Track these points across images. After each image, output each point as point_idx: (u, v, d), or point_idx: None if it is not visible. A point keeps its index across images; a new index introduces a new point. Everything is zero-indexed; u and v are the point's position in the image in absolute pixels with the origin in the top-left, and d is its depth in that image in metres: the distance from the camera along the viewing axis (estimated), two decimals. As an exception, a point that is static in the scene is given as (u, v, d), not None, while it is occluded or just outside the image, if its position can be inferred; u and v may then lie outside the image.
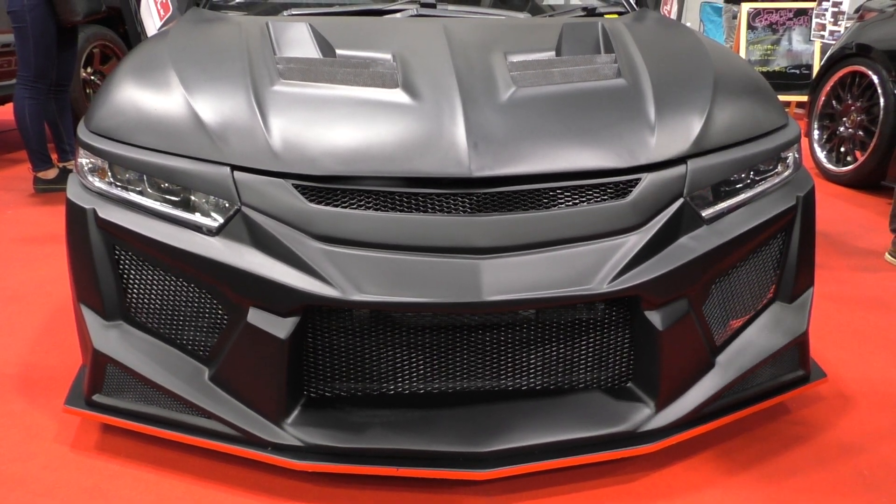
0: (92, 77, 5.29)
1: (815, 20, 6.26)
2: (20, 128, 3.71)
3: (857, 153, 4.11)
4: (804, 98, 6.38)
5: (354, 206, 1.41)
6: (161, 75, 1.62)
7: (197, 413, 1.47)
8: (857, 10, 6.96)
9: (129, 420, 1.53)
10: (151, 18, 2.62)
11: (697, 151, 1.55)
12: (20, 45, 3.57)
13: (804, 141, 4.62)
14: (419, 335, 1.46)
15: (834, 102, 4.32)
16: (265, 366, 1.40)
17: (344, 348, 1.46)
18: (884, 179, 3.82)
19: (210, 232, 1.43)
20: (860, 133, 4.09)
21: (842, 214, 3.61)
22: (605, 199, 1.46)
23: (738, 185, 1.61)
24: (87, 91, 5.27)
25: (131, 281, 1.51)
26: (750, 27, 6.58)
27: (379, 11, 2.16)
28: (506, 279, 1.37)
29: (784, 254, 1.67)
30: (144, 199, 1.50)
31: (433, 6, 2.17)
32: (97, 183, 1.55)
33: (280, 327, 1.38)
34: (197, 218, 1.45)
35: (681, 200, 1.50)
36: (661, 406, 1.50)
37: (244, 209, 1.41)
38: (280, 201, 1.40)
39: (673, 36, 2.00)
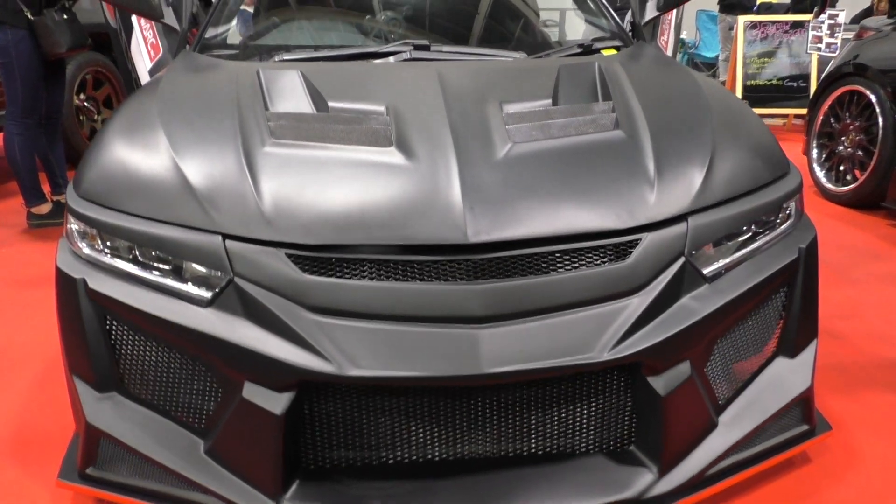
0: (85, 104, 5.27)
1: (811, 32, 6.26)
2: (11, 164, 3.68)
3: (857, 172, 4.09)
4: (802, 111, 6.38)
5: (349, 276, 1.38)
6: (150, 137, 1.60)
7: (193, 488, 1.44)
8: (853, 20, 6.97)
9: (123, 494, 1.50)
10: (142, 57, 2.60)
11: (698, 207, 1.52)
12: (6, 81, 3.54)
13: (803, 159, 4.60)
14: (417, 402, 1.43)
15: (832, 121, 4.30)
16: (261, 440, 1.37)
17: (341, 418, 1.43)
18: (883, 200, 3.79)
19: (202, 303, 1.40)
20: (859, 153, 4.07)
21: (841, 238, 3.59)
22: (604, 262, 1.43)
23: (739, 239, 1.58)
24: (81, 118, 5.25)
25: (124, 352, 1.48)
26: (747, 40, 6.57)
27: (372, 55, 2.14)
28: (504, 349, 1.34)
29: (787, 308, 1.65)
30: (135, 267, 1.47)
31: (427, 48, 2.15)
32: (87, 250, 1.52)
33: (276, 403, 1.35)
34: (189, 288, 1.42)
35: (682, 260, 1.47)
36: (664, 471, 1.47)
37: (237, 280, 1.38)
38: (273, 272, 1.37)
39: (670, 78, 1.98)
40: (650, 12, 2.59)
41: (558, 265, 1.42)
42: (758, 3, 7.61)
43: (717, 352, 1.54)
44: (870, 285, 2.95)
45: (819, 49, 6.24)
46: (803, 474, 1.74)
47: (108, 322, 1.48)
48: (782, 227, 1.66)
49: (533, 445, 1.50)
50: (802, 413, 1.67)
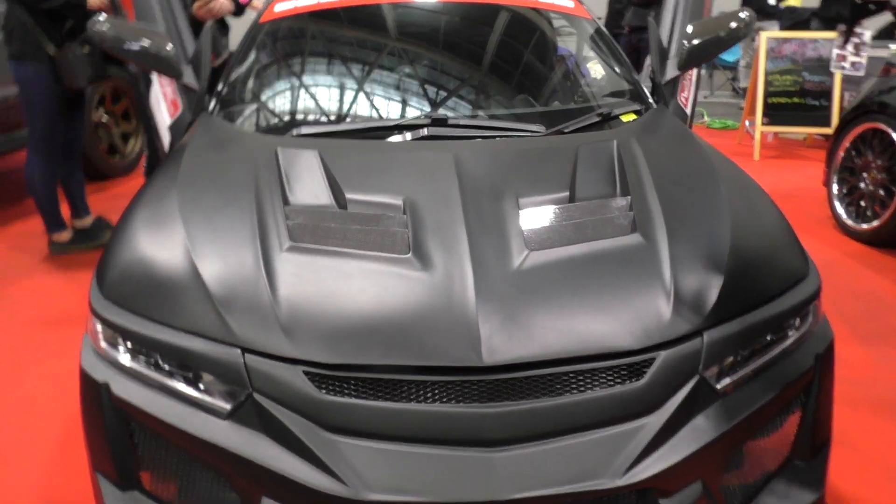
0: (103, 119, 5.31)
1: (835, 51, 6.16)
2: (31, 192, 3.73)
3: (877, 209, 4.05)
4: (824, 129, 6.31)
5: (365, 395, 1.40)
6: (171, 237, 1.62)
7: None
8: (878, 36, 6.85)
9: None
10: (161, 112, 2.62)
11: (714, 322, 1.52)
12: (27, 113, 3.60)
13: (823, 191, 4.56)
14: None
15: (854, 155, 4.25)
16: None
17: None
18: (903, 242, 3.77)
19: (222, 414, 1.43)
20: (881, 191, 4.03)
21: (858, 283, 3.56)
22: (618, 382, 1.44)
23: (755, 349, 1.58)
24: (99, 133, 5.30)
25: (146, 455, 1.52)
26: (770, 56, 6.49)
27: (389, 128, 2.14)
28: (519, 474, 1.35)
29: (802, 415, 1.65)
30: (156, 373, 1.50)
31: (444, 122, 2.15)
32: (110, 352, 1.55)
33: (292, 519, 1.37)
34: (208, 399, 1.45)
35: (696, 378, 1.47)
36: (675, 586, 1.49)
37: (255, 395, 1.41)
38: (291, 390, 1.39)
39: (688, 164, 1.97)
40: (671, 72, 2.58)
41: (572, 386, 1.43)
42: (782, 6, 7.49)
43: (729, 465, 1.55)
44: (884, 343, 2.93)
45: (843, 68, 6.15)
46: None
47: (130, 426, 1.51)
48: (800, 331, 1.65)
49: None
50: (813, 518, 1.67)
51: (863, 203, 4.18)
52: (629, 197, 1.77)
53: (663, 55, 2.61)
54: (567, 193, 1.81)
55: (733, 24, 2.45)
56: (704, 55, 2.54)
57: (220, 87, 2.47)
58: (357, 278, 1.52)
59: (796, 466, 1.67)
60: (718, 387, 1.50)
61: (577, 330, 1.45)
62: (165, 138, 2.61)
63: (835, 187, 4.39)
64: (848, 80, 6.26)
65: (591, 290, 1.52)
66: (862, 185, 4.18)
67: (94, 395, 1.52)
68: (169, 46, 2.35)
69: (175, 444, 1.47)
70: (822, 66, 6.36)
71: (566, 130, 2.19)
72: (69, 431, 2.30)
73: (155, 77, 2.59)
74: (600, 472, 1.37)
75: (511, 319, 1.44)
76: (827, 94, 6.37)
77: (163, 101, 2.57)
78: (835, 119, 6.24)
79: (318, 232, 1.62)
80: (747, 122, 7.00)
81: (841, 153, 4.32)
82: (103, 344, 1.56)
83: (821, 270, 1.78)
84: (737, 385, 1.53)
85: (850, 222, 4.23)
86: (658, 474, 1.39)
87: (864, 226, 4.11)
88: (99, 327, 1.58)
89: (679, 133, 2.21)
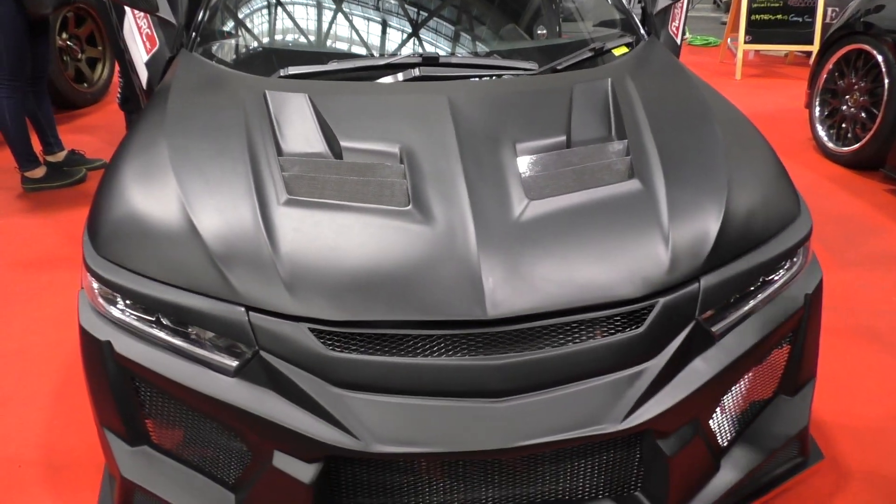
0: (69, 42, 5.09)
1: (820, -35, 6.04)
2: (1, 129, 3.60)
3: (858, 132, 4.07)
4: (807, 47, 6.26)
5: (371, 352, 1.42)
6: (164, 189, 1.58)
7: (225, 539, 1.53)
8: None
9: (160, 542, 1.58)
10: (136, 46, 2.50)
11: (711, 267, 1.55)
12: None
13: (804, 112, 4.56)
14: (440, 467, 1.50)
15: (837, 77, 4.24)
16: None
17: (367, 484, 1.50)
18: (883, 165, 3.81)
19: (228, 372, 1.44)
20: (862, 114, 4.04)
21: (837, 207, 3.62)
22: (619, 330, 1.47)
23: (748, 291, 1.62)
24: (64, 59, 5.08)
25: (154, 411, 1.53)
26: (753, -30, 6.34)
27: (378, 67, 2.08)
28: (524, 423, 1.40)
29: (790, 352, 1.71)
30: (159, 331, 1.49)
31: (436, 61, 2.09)
32: (111, 310, 1.54)
33: (304, 472, 1.41)
34: (214, 356, 1.46)
35: (693, 322, 1.51)
36: (667, 513, 1.57)
37: (262, 353, 1.42)
38: (298, 347, 1.40)
39: (683, 102, 1.95)
40: (662, 1, 2.52)
41: (574, 335, 1.46)
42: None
43: (722, 403, 1.61)
44: (863, 269, 3.01)
45: (827, -18, 6.04)
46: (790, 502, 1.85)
47: (136, 383, 1.52)
48: (791, 271, 1.69)
49: (544, 492, 1.58)
50: (798, 447, 1.76)
51: (844, 126, 4.19)
52: (626, 141, 1.76)
53: (655, -17, 2.54)
54: (563, 137, 1.79)
55: None
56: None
57: (199, 20, 2.36)
58: (358, 232, 1.51)
59: (783, 400, 1.74)
60: (713, 329, 1.54)
61: (579, 280, 1.47)
62: (143, 74, 2.51)
63: (817, 109, 4.39)
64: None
65: (591, 239, 1.53)
66: (844, 107, 4.19)
67: (97, 353, 1.52)
68: (142, -22, 2.23)
69: (183, 402, 1.48)
70: (806, -20, 6.25)
71: (559, 68, 2.14)
72: (65, 378, 2.30)
73: (128, 8, 2.47)
74: (601, 418, 1.42)
75: (513, 271, 1.45)
76: (811, 11, 6.28)
77: (138, 35, 2.46)
78: (818, 36, 6.17)
79: (315, 184, 1.60)
80: (729, 40, 6.89)
81: (824, 75, 4.30)
82: (102, 301, 1.55)
83: (801, 194, 1.82)
84: (731, 327, 1.57)
85: (831, 145, 4.26)
86: (656, 417, 1.45)
87: (845, 148, 4.14)
88: (95, 285, 1.56)
89: (673, 69, 2.18)
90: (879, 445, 2.02)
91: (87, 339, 1.53)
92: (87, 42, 5.27)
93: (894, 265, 3.03)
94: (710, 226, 1.57)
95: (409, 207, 1.55)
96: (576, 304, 1.45)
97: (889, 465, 1.96)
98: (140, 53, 2.48)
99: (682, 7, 2.65)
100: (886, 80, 3.83)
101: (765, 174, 1.77)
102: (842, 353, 2.43)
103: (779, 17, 6.33)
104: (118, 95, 4.12)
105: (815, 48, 6.24)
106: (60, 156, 3.95)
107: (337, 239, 1.50)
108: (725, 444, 1.65)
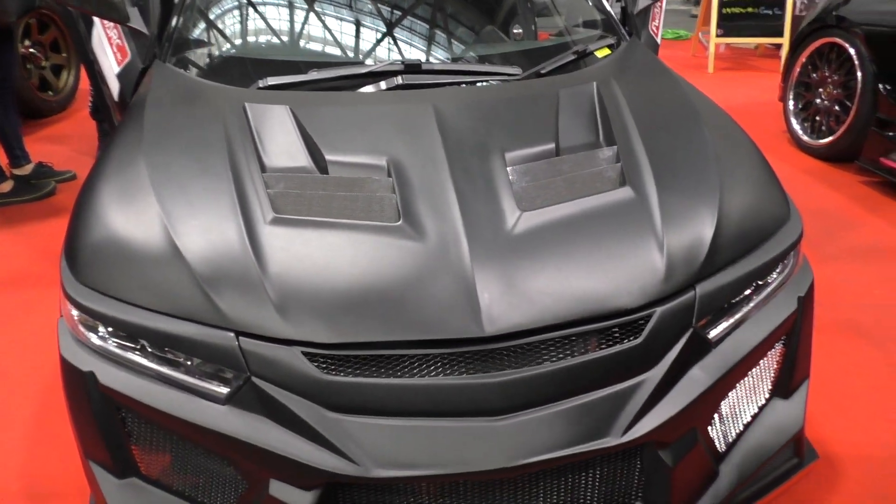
0: (32, 50, 4.95)
1: (787, -43, 6.10)
2: (-34, 141, 3.49)
3: (832, 124, 4.12)
4: (778, 39, 6.32)
5: (367, 374, 1.38)
6: (145, 211, 1.53)
7: (220, 570, 1.48)
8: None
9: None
10: (106, 58, 2.43)
11: (706, 274, 1.53)
12: None
13: (777, 104, 4.60)
14: (442, 487, 1.46)
15: (810, 70, 4.27)
16: None
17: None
18: (857, 157, 3.85)
19: (219, 399, 1.40)
20: (836, 107, 4.08)
21: (814, 201, 3.65)
22: (617, 342, 1.45)
23: (742, 296, 1.61)
24: (28, 67, 4.95)
25: (142, 442, 1.48)
26: (722, -37, 6.38)
27: (359, 76, 2.03)
28: (524, 441, 1.37)
29: (784, 354, 1.70)
30: (146, 360, 1.44)
31: (418, 68, 2.05)
32: (93, 339, 1.48)
33: (303, 500, 1.37)
34: (203, 384, 1.41)
35: (690, 331, 1.50)
36: (668, 523, 1.56)
37: (254, 379, 1.37)
38: (291, 372, 1.36)
39: (670, 107, 1.94)
40: (642, 1, 2.51)
41: (572, 348, 1.44)
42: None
43: (720, 409, 1.60)
44: (843, 263, 3.03)
45: (795, -25, 6.10)
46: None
47: (122, 413, 1.47)
48: (783, 273, 1.69)
49: (544, 501, 1.56)
50: (794, 449, 1.76)
51: (818, 118, 4.23)
52: (615, 147, 1.74)
53: (636, -17, 2.53)
54: (552, 145, 1.77)
55: None
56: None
57: (172, 30, 2.29)
58: (348, 250, 1.47)
59: (778, 404, 1.74)
60: (710, 336, 1.53)
61: (575, 292, 1.44)
62: (114, 86, 2.44)
63: (791, 103, 4.43)
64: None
65: (585, 249, 1.51)
66: (818, 100, 4.23)
67: (80, 385, 1.46)
68: (112, -13, 2.16)
69: (172, 433, 1.44)
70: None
71: (543, 72, 2.12)
72: (44, 401, 2.23)
73: (97, 18, 2.39)
74: (603, 432, 1.40)
75: (509, 286, 1.42)
76: (780, 3, 6.34)
77: (108, 46, 2.38)
78: (787, 28, 6.24)
79: (302, 201, 1.56)
80: (700, 34, 6.94)
81: (797, 69, 4.34)
82: (84, 331, 1.49)
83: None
84: (726, 333, 1.56)
85: (805, 138, 4.30)
86: (657, 428, 1.43)
87: (820, 141, 4.18)
88: (75, 313, 1.50)
89: (657, 71, 2.17)
90: (870, 442, 2.04)
91: (68, 370, 1.48)
92: (50, 49, 5.13)
93: (873, 258, 3.07)
94: (703, 232, 1.56)
95: (400, 223, 1.51)
96: (573, 317, 1.42)
97: (881, 462, 1.97)
98: (111, 65, 2.41)
99: (661, 5, 2.65)
100: (859, 73, 3.87)
101: (755, 177, 1.76)
102: (827, 350, 2.44)
103: (749, 9, 6.38)
104: (90, 104, 4.01)
105: (785, 40, 6.32)
106: (28, 168, 3.84)
107: (327, 258, 1.45)
108: (724, 450, 1.65)
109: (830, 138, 4.09)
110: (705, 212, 1.60)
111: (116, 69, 2.37)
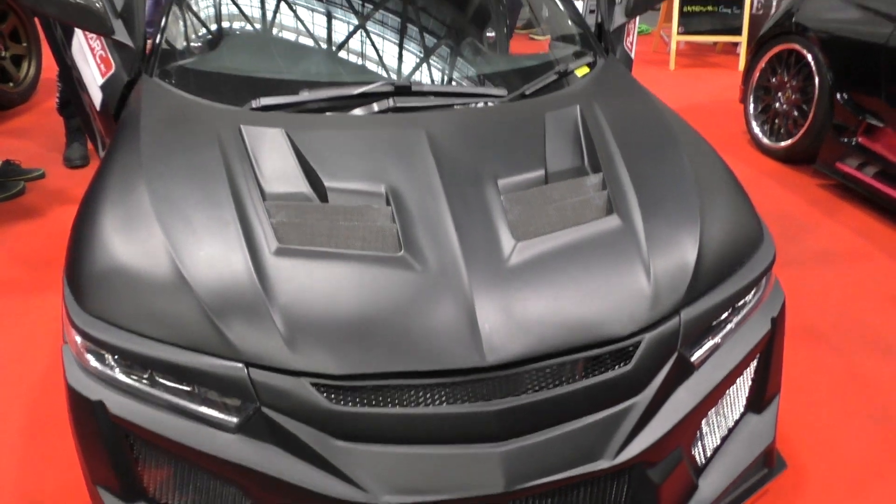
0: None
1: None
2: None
3: (791, 127, 4.28)
4: (736, 38, 6.49)
5: (374, 404, 1.44)
6: (149, 240, 1.55)
7: None
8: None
9: None
10: (89, 68, 2.40)
11: (690, 300, 1.63)
12: None
13: (738, 105, 4.75)
14: None
15: (770, 75, 4.42)
16: None
17: None
18: (814, 162, 4.02)
19: (229, 428, 1.44)
20: (794, 112, 4.24)
21: (774, 204, 3.80)
22: (608, 368, 1.54)
23: (722, 319, 1.71)
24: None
25: (150, 469, 1.51)
26: (684, -38, 6.51)
27: (350, 97, 2.07)
28: (524, 466, 1.45)
29: (757, 371, 1.82)
30: (156, 390, 1.47)
31: (408, 90, 2.09)
32: (101, 369, 1.50)
33: (313, 526, 1.43)
34: (213, 413, 1.45)
35: (675, 355, 1.59)
36: (651, 534, 1.66)
37: (264, 409, 1.42)
38: (300, 402, 1.41)
39: (649, 132, 2.02)
40: (618, 19, 2.58)
41: (566, 376, 1.52)
42: None
43: (701, 426, 1.71)
44: (803, 267, 3.18)
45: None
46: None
47: (131, 441, 1.50)
48: (757, 297, 1.79)
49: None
50: (765, 460, 1.88)
51: (777, 122, 4.40)
52: (601, 174, 1.82)
53: (611, 1, 2.60)
54: (542, 171, 1.84)
55: None
56: (652, 0, 2.55)
57: (159, 43, 2.28)
58: (352, 281, 1.52)
59: (752, 418, 1.85)
60: (693, 359, 1.63)
61: (569, 321, 1.52)
62: (96, 95, 2.41)
63: (751, 106, 4.58)
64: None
65: (577, 278, 1.59)
66: (777, 104, 4.39)
67: (88, 413, 1.49)
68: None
69: (182, 458, 1.47)
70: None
71: (528, 93, 2.18)
72: (34, 415, 2.23)
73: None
74: (597, 454, 1.49)
75: (508, 316, 1.49)
76: (739, 2, 6.51)
77: (91, 56, 2.36)
78: (745, 26, 6.41)
79: (305, 230, 1.60)
80: (661, 31, 7.08)
81: (757, 73, 4.49)
82: (91, 360, 1.51)
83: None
84: (707, 355, 1.66)
85: (765, 140, 4.46)
86: (646, 450, 1.53)
87: (780, 144, 4.34)
88: (80, 340, 1.52)
89: (634, 92, 2.25)
90: (835, 447, 2.18)
91: (76, 398, 1.50)
92: (10, 38, 4.98)
93: (830, 262, 3.23)
94: (687, 258, 1.65)
95: (402, 253, 1.57)
96: (568, 346, 1.50)
97: (847, 466, 2.11)
98: (93, 75, 2.39)
99: (634, 22, 2.73)
100: (817, 79, 4.03)
101: (731, 202, 1.86)
102: (790, 356, 2.56)
103: (709, 8, 6.54)
104: (57, 98, 3.93)
105: (743, 38, 6.51)
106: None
107: (332, 289, 1.50)
108: (703, 464, 1.76)
109: (789, 141, 4.26)
110: (688, 239, 1.69)
111: (100, 80, 2.35)
